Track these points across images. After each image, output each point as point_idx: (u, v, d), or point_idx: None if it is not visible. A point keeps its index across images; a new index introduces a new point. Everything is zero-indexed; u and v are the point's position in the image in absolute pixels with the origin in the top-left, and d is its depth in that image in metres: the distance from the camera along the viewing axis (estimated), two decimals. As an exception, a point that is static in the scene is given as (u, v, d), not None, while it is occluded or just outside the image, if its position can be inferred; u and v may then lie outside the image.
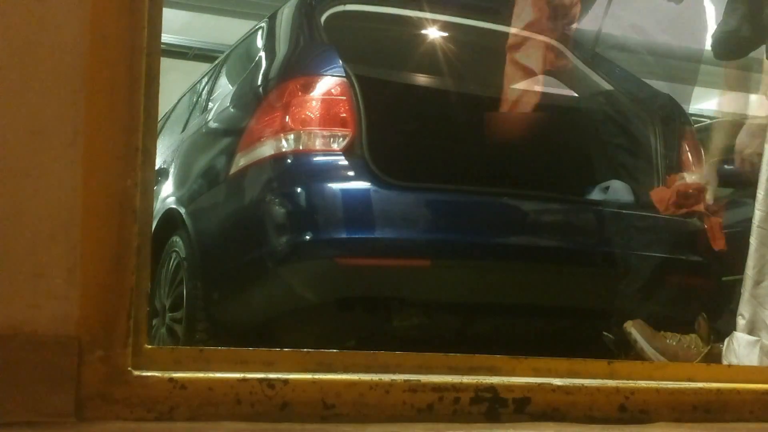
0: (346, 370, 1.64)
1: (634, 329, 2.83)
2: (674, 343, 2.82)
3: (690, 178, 3.26)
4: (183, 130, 4.21)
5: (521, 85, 4.74)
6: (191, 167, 3.72)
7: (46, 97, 1.39)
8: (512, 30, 3.47)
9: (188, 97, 4.76)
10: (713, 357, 2.75)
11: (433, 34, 3.97)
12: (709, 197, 3.18)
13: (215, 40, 8.91)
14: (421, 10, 3.70)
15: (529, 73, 3.17)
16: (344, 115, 2.92)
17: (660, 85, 3.62)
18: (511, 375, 1.79)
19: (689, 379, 1.92)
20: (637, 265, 3.16)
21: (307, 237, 2.84)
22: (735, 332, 2.63)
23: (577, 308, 3.23)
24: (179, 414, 1.43)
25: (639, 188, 3.41)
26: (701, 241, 3.17)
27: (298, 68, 3.14)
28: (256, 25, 3.91)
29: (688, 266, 3.16)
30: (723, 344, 2.75)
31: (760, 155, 2.77)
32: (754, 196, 2.79)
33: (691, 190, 3.15)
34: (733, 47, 2.98)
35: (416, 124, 3.51)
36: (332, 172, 2.88)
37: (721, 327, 2.85)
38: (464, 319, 3.19)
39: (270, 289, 2.99)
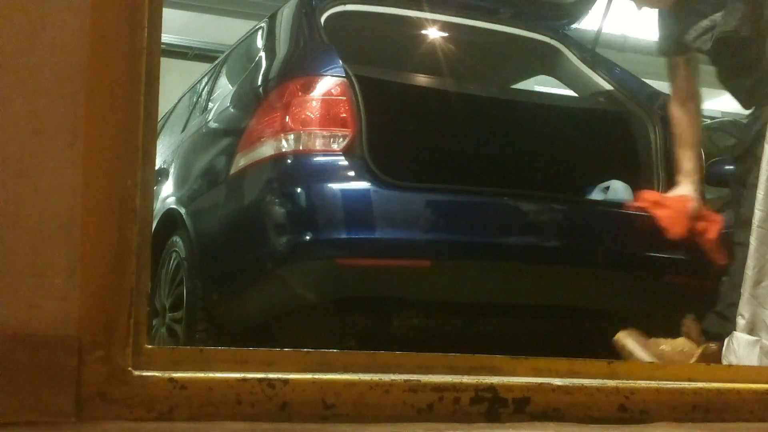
0: (346, 370, 1.64)
1: (628, 340, 2.80)
2: (668, 349, 2.81)
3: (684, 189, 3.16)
4: (183, 130, 4.21)
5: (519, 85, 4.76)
6: (191, 167, 3.73)
7: (46, 97, 1.39)
8: None
9: (188, 97, 4.76)
10: (706, 357, 2.74)
11: (433, 34, 3.97)
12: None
13: (215, 40, 8.92)
14: (421, 10, 3.70)
15: None
16: (344, 115, 2.92)
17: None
18: (511, 375, 1.79)
19: (689, 379, 1.92)
20: (636, 265, 3.16)
21: (307, 237, 2.84)
22: (735, 332, 2.63)
23: (576, 309, 3.23)
24: (179, 414, 1.43)
25: (638, 188, 3.41)
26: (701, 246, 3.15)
27: (298, 68, 3.14)
28: (256, 25, 3.92)
29: (686, 266, 3.16)
30: (715, 344, 2.74)
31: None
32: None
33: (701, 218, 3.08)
34: (733, 47, 2.98)
35: (416, 124, 3.51)
36: (332, 173, 2.87)
37: (709, 328, 2.85)
38: (464, 320, 3.19)
39: (270, 289, 2.99)
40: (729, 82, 3.08)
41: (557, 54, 3.91)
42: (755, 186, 2.71)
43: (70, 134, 1.39)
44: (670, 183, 3.31)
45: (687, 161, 3.15)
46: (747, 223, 2.76)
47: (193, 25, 9.31)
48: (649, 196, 3.14)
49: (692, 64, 3.19)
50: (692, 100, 3.18)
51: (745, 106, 3.07)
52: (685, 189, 3.12)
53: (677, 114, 3.20)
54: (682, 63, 3.19)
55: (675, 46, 3.19)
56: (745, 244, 2.74)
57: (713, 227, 3.07)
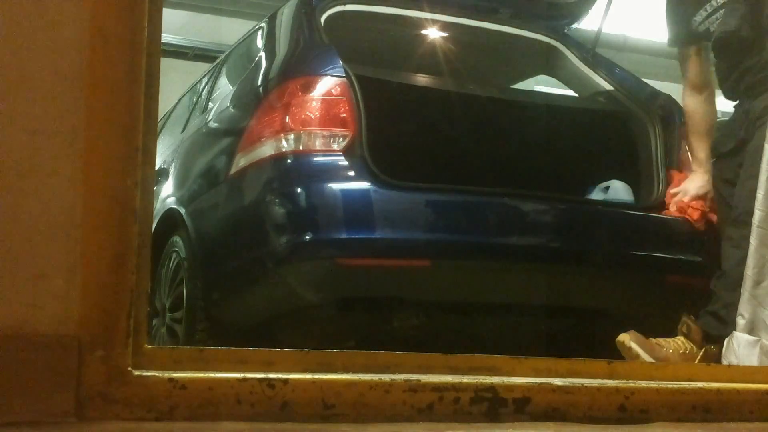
0: (346, 370, 1.64)
1: (632, 343, 2.79)
2: (670, 351, 2.80)
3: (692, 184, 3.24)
4: (183, 130, 4.21)
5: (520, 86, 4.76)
6: (191, 167, 3.73)
7: (46, 97, 1.39)
8: None
9: (188, 97, 4.76)
10: (708, 359, 2.74)
11: (433, 34, 3.97)
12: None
13: (215, 40, 8.92)
14: (421, 10, 3.70)
15: None
16: (344, 115, 2.92)
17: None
18: (511, 375, 1.79)
19: (689, 379, 1.92)
20: (636, 265, 3.16)
21: (307, 237, 2.84)
22: (735, 332, 2.63)
23: (576, 308, 3.23)
24: (179, 414, 1.43)
25: (639, 189, 3.42)
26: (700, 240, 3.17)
27: (298, 68, 3.14)
28: (256, 25, 3.91)
29: (687, 266, 3.16)
30: (716, 347, 2.74)
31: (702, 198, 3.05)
32: None
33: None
34: (733, 47, 2.98)
35: (416, 124, 3.51)
36: (332, 173, 2.87)
37: (706, 329, 2.84)
38: (464, 319, 3.19)
39: (270, 289, 2.99)
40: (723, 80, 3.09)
41: (557, 54, 3.91)
42: (748, 181, 2.71)
43: (70, 134, 1.39)
44: (670, 181, 3.32)
45: (701, 150, 3.19)
46: (737, 220, 2.77)
47: (193, 25, 9.31)
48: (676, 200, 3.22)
49: (703, 54, 3.20)
50: (706, 88, 3.20)
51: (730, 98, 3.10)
52: (700, 178, 3.17)
53: (691, 103, 3.22)
54: (693, 53, 3.21)
55: (684, 36, 3.20)
56: (736, 240, 2.75)
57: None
